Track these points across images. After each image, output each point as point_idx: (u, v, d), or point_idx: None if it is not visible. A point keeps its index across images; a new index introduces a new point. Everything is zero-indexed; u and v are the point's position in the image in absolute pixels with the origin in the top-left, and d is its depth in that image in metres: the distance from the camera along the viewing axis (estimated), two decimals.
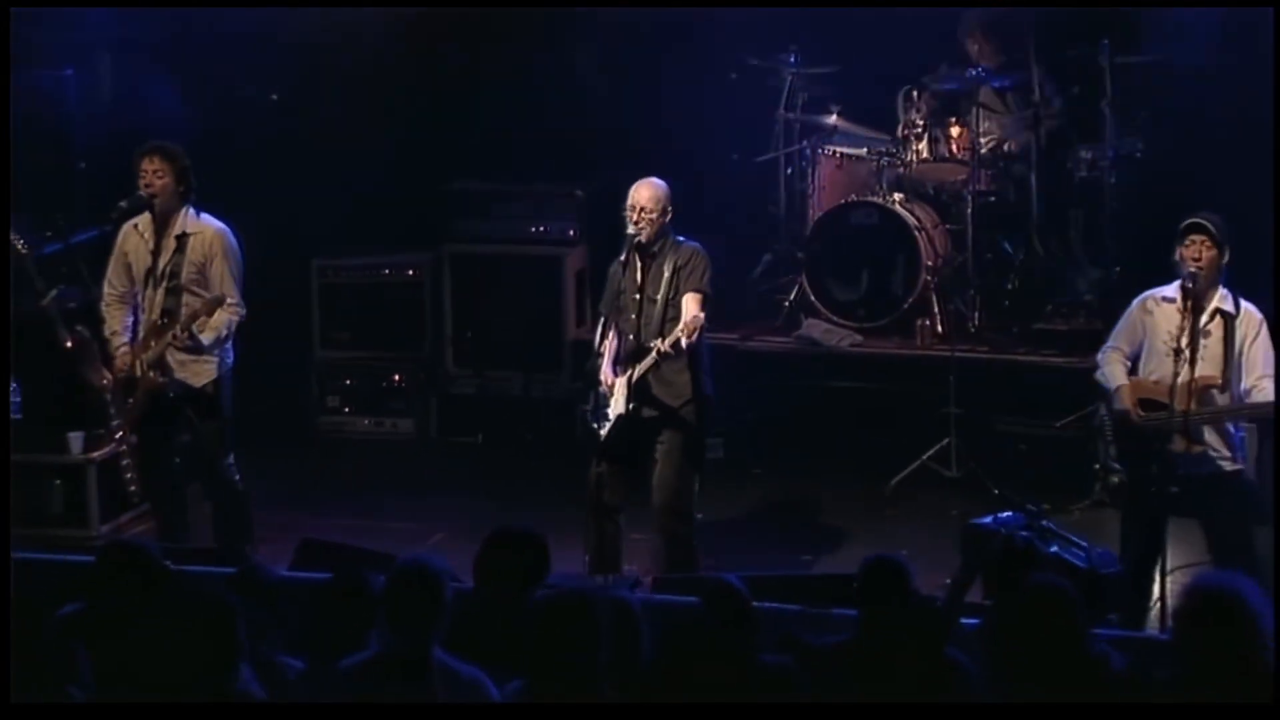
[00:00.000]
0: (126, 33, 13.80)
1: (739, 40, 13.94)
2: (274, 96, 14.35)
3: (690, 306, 10.60)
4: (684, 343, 10.45)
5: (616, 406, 10.72)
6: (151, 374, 11.03)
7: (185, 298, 10.97)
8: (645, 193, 10.72)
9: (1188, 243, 9.98)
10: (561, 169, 14.00)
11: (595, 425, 10.77)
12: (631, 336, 10.74)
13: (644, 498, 10.90)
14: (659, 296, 10.68)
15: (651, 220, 10.66)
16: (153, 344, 11.01)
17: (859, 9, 13.79)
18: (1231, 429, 10.06)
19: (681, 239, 10.76)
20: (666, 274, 10.69)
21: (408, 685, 7.40)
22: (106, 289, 11.22)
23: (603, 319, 10.93)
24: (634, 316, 10.73)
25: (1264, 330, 9.97)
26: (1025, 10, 13.75)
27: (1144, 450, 10.11)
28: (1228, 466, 10.06)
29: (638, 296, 10.74)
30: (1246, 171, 12.17)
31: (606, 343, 10.89)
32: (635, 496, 10.95)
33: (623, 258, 10.76)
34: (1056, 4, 13.59)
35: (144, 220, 11.06)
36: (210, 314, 10.86)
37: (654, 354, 10.57)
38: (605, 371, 10.85)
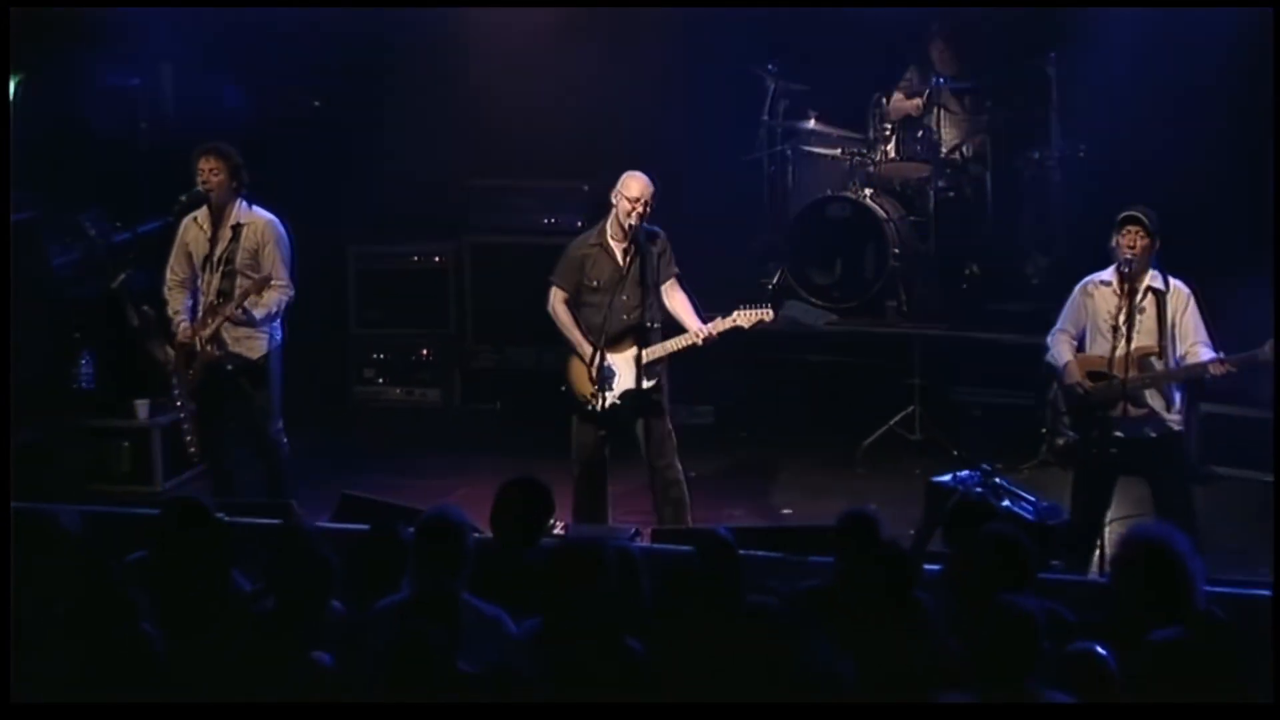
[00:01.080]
0: (186, 47, 13.78)
1: (728, 52, 13.87)
2: (316, 103, 14.35)
3: (676, 295, 10.65)
4: (714, 336, 10.63)
5: (625, 381, 10.69)
6: (209, 348, 11.06)
7: (239, 280, 11.01)
8: (642, 186, 10.67)
9: (1124, 232, 10.05)
10: (569, 168, 13.97)
11: (601, 393, 10.74)
12: (626, 317, 10.71)
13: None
14: (649, 281, 10.68)
15: (646, 210, 10.64)
16: (210, 322, 11.04)
17: (835, 22, 13.79)
18: (1173, 393, 10.07)
19: (652, 227, 10.76)
20: (648, 259, 10.67)
21: (436, 623, 7.39)
22: (169, 275, 11.24)
23: (560, 292, 10.91)
24: (624, 299, 10.69)
25: (1192, 303, 10.06)
26: (982, 23, 13.70)
27: (1093, 417, 10.12)
28: (1173, 428, 10.08)
29: (628, 280, 10.70)
30: (1176, 168, 12.15)
31: (568, 315, 10.89)
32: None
33: (604, 242, 10.72)
34: (1010, 4, 13.49)
35: (202, 213, 11.10)
36: (259, 293, 10.92)
37: (697, 339, 10.63)
38: (584, 345, 10.82)
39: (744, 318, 10.66)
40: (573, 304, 10.87)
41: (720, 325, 10.65)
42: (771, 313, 10.81)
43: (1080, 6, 13.31)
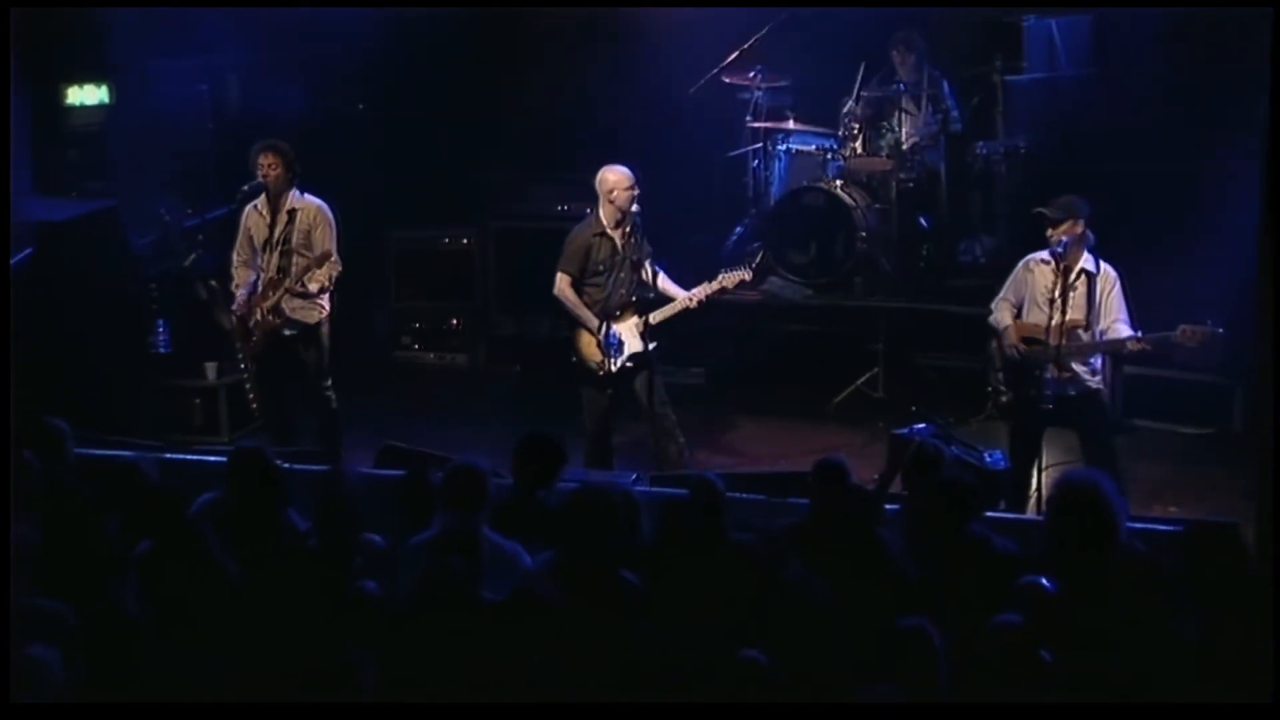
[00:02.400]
0: (248, 58, 13.77)
1: (717, 61, 13.84)
2: (360, 106, 14.31)
3: (657, 271, 10.67)
4: (704, 299, 10.70)
5: (633, 345, 10.73)
6: (270, 317, 11.11)
7: (295, 258, 11.06)
8: (615, 174, 10.79)
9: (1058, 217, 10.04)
10: (579, 161, 13.92)
11: (611, 357, 10.77)
12: (624, 291, 10.75)
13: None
14: (640, 260, 10.71)
15: (628, 197, 10.68)
16: (270, 294, 11.09)
17: (810, 35, 13.78)
18: (1095, 359, 10.08)
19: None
20: (636, 241, 10.71)
21: (462, 556, 7.39)
22: (235, 256, 11.32)
23: (569, 281, 10.90)
24: (621, 275, 10.75)
25: (1118, 285, 10.03)
26: (936, 35, 13.68)
27: (1026, 376, 10.15)
28: (1091, 386, 10.08)
29: (624, 259, 10.74)
30: (1105, 161, 12.12)
31: (573, 296, 10.91)
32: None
33: (600, 229, 10.74)
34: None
35: (261, 201, 11.15)
36: (320, 267, 10.96)
37: (690, 302, 10.69)
38: (590, 318, 10.83)
39: (728, 279, 10.72)
40: (576, 286, 10.87)
41: (707, 289, 10.71)
42: (751, 272, 10.87)
43: (1034, 6, 13.20)
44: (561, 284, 10.92)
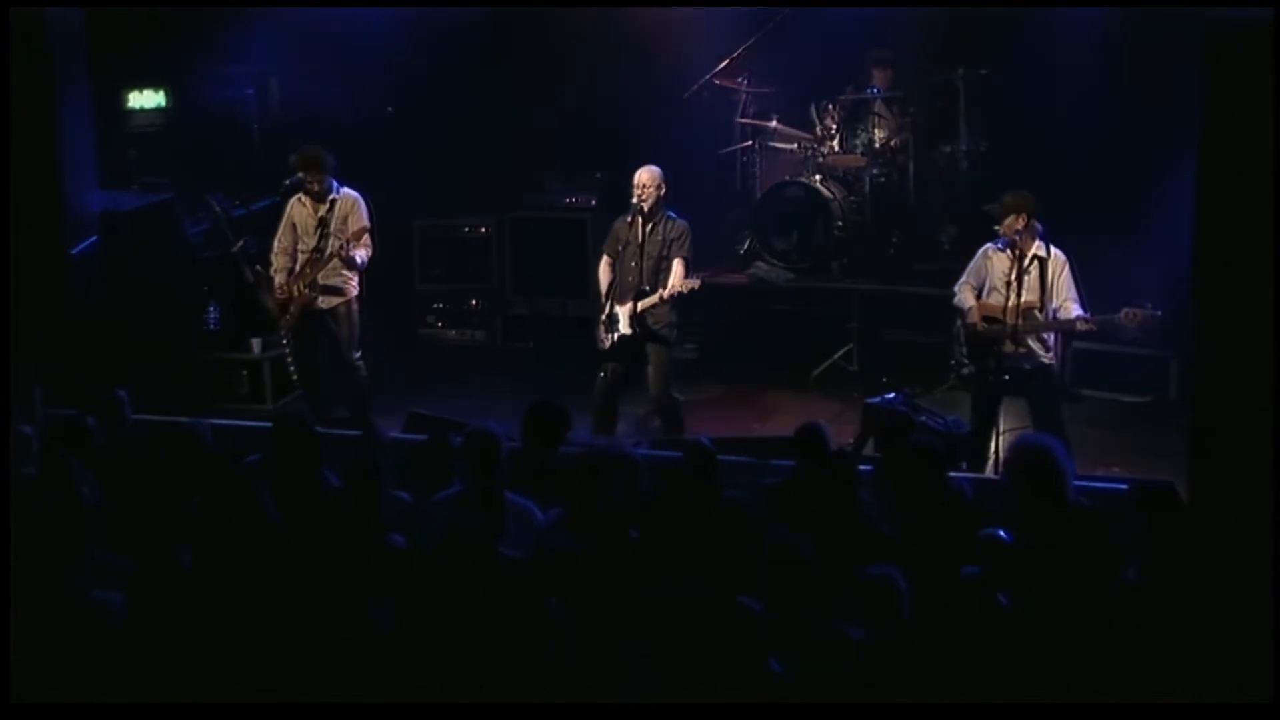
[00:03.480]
0: (289, 65, 13.75)
1: (710, 67, 13.84)
2: (389, 109, 14.29)
3: (678, 269, 10.61)
4: (674, 294, 10.53)
5: (623, 328, 10.73)
6: (308, 292, 11.12)
7: (332, 240, 11.07)
8: (645, 175, 10.72)
9: (1014, 209, 10.05)
10: (587, 158, 13.94)
11: (608, 334, 10.77)
12: (631, 279, 10.72)
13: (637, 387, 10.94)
14: (655, 254, 10.69)
15: (650, 194, 10.65)
16: (309, 271, 11.12)
17: (792, 45, 13.77)
18: (1047, 336, 10.08)
19: (674, 214, 10.75)
20: (660, 238, 10.70)
21: (480, 511, 7.40)
22: (276, 243, 11.36)
23: (605, 258, 10.94)
24: (633, 264, 10.71)
25: (1067, 269, 10.04)
26: (906, 46, 13.65)
27: (986, 351, 10.15)
28: (1044, 360, 10.09)
29: (639, 251, 10.72)
30: (1057, 160, 12.12)
31: (607, 275, 10.89)
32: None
33: (629, 220, 10.74)
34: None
35: (306, 196, 11.19)
36: (359, 240, 11.00)
37: (657, 298, 10.59)
38: (601, 299, 10.88)
39: (681, 285, 10.57)
40: (613, 266, 10.90)
41: (672, 290, 10.61)
42: (700, 282, 10.72)
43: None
44: (600, 263, 11.04)
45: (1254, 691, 5.84)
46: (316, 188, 11.05)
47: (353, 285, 11.20)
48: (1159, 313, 9.78)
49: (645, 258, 10.71)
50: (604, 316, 10.79)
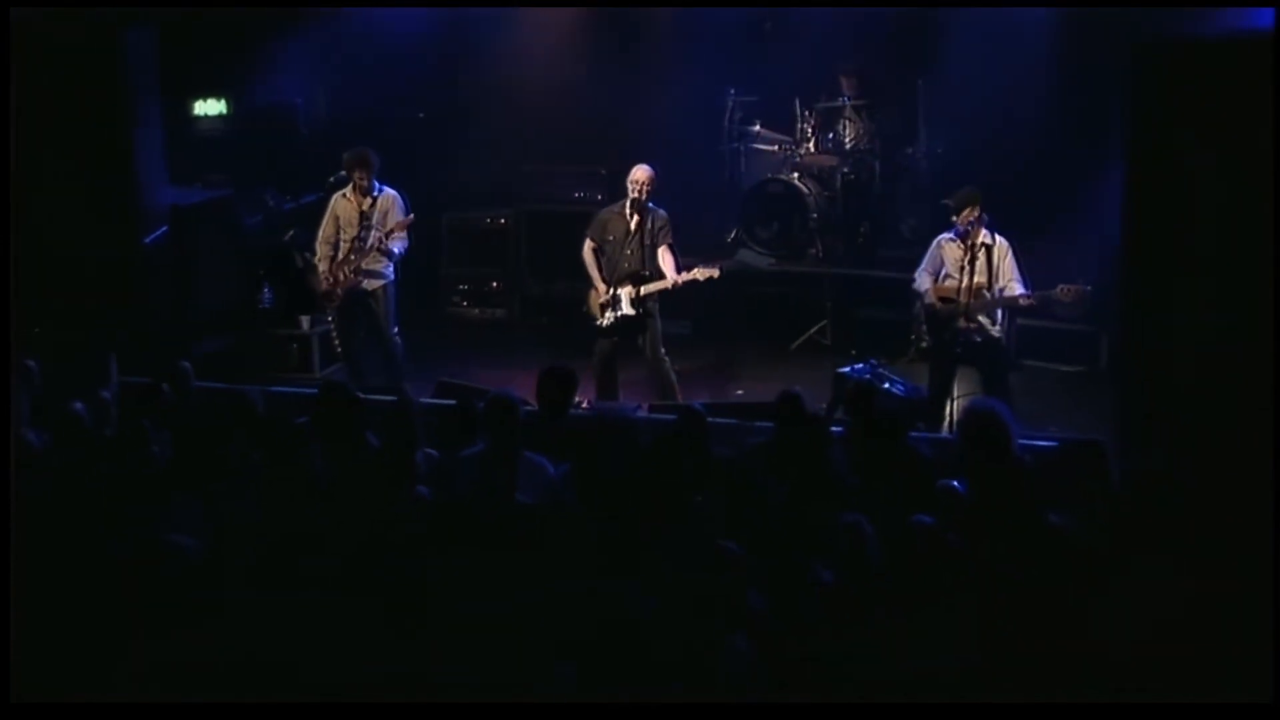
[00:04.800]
0: (335, 75, 13.74)
1: (702, 77, 13.83)
2: (420, 115, 14.26)
3: (668, 256, 10.59)
4: (691, 280, 10.54)
5: (625, 309, 10.72)
6: (352, 276, 11.10)
7: (373, 232, 11.03)
8: (642, 173, 10.71)
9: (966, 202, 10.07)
10: (592, 157, 13.92)
11: (609, 312, 10.77)
12: (629, 264, 10.72)
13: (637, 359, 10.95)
14: (647, 242, 10.66)
15: (645, 189, 10.65)
16: (352, 259, 11.08)
17: (774, 58, 13.75)
18: (995, 313, 10.10)
19: (652, 205, 10.74)
20: (649, 227, 10.67)
21: (500, 466, 7.41)
22: (320, 233, 11.33)
23: (589, 243, 10.90)
24: (629, 252, 10.71)
25: (1010, 253, 10.08)
26: (872, 57, 13.61)
27: (942, 327, 10.17)
28: (993, 334, 10.12)
29: (635, 239, 10.71)
30: (1003, 160, 12.11)
31: (593, 260, 10.87)
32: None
33: (623, 211, 10.73)
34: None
35: (349, 190, 11.17)
36: (401, 230, 11.02)
37: (670, 283, 10.59)
38: (599, 281, 10.81)
39: (700, 273, 10.59)
40: (598, 251, 10.84)
41: (685, 277, 10.59)
42: (718, 271, 10.73)
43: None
44: (585, 247, 10.95)
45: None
46: (365, 183, 11.04)
47: (390, 270, 11.20)
48: (1089, 287, 9.89)
49: (642, 245, 10.71)
50: (605, 298, 10.77)
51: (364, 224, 11.08)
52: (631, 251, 10.72)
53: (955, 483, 7.00)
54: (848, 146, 13.62)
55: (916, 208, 13.63)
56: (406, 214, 11.10)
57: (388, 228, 11.01)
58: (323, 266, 11.23)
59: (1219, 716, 5.33)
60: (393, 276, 11.22)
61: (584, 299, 11.01)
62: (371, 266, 11.15)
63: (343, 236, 11.16)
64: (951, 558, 6.41)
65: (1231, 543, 6.27)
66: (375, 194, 11.08)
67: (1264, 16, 9.14)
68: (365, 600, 6.13)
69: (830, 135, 13.64)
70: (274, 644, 5.92)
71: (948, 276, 10.18)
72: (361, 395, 8.31)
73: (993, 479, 6.91)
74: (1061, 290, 9.88)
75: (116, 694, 5.70)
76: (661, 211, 10.76)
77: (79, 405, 8.16)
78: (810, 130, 13.61)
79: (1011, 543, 6.53)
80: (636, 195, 10.66)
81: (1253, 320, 7.29)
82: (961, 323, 10.06)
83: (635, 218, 10.70)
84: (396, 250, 11.06)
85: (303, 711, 5.61)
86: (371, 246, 11.00)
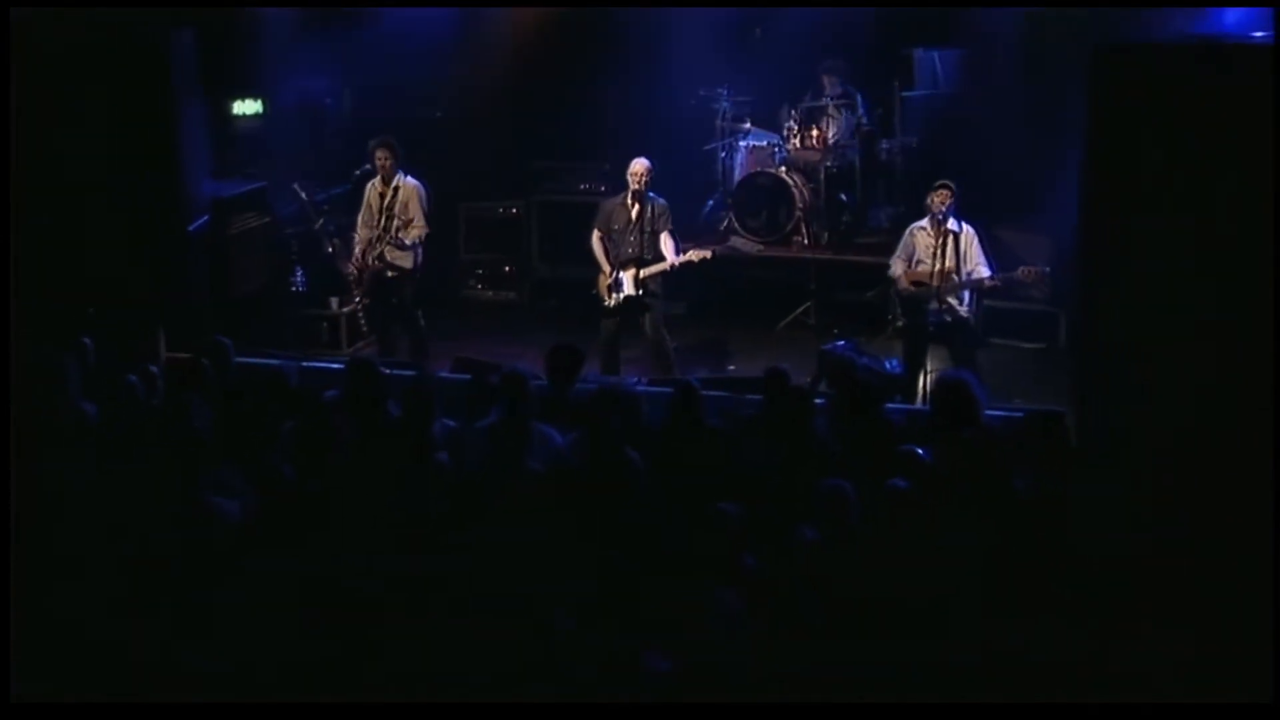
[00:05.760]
0: (360, 78, 13.70)
1: (698, 78, 13.79)
2: (438, 114, 14.21)
3: (668, 241, 10.57)
4: (687, 262, 10.53)
5: (628, 289, 10.71)
6: (377, 262, 11.08)
7: (395, 221, 11.01)
8: (640, 166, 10.69)
9: (937, 194, 10.10)
10: (598, 152, 13.88)
11: (614, 293, 10.76)
12: (632, 250, 10.69)
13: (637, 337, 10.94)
14: (649, 229, 10.64)
15: (644, 180, 10.64)
16: (377, 245, 11.06)
17: (763, 61, 13.71)
18: (964, 295, 10.10)
19: (652, 195, 10.72)
20: (649, 215, 10.65)
21: (512, 435, 7.42)
22: (360, 218, 11.27)
23: (597, 233, 10.87)
24: (632, 239, 10.69)
25: (976, 240, 10.09)
26: (851, 60, 13.57)
27: (915, 308, 10.17)
28: (962, 314, 10.12)
29: (636, 227, 10.70)
30: (972, 154, 12.07)
31: (600, 247, 10.85)
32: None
33: (625, 201, 10.70)
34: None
35: (377, 180, 11.12)
36: (414, 227, 11.00)
37: (668, 265, 10.57)
38: (605, 266, 10.80)
39: (695, 254, 10.61)
40: (605, 240, 10.83)
41: (681, 259, 10.58)
42: (711, 253, 10.76)
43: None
44: (593, 238, 10.91)
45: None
46: (387, 166, 11.00)
47: (413, 256, 11.17)
48: (1048, 270, 9.97)
49: (642, 232, 10.69)
50: (610, 281, 10.76)
51: (386, 212, 11.07)
52: (634, 238, 10.70)
53: (919, 449, 7.00)
54: (830, 142, 13.58)
55: (893, 198, 13.61)
56: (428, 203, 11.07)
57: (408, 217, 10.99)
58: (357, 250, 11.25)
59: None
60: (416, 261, 11.20)
61: (588, 282, 11.02)
62: (395, 253, 11.13)
63: (372, 224, 11.17)
64: (922, 515, 6.43)
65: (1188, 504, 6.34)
66: (397, 182, 11.06)
67: (1219, 20, 9.18)
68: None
69: (814, 132, 13.61)
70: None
71: (919, 262, 10.17)
72: (385, 370, 8.33)
73: (962, 445, 6.93)
74: (1023, 272, 9.96)
75: (150, 654, 5.67)
76: (661, 200, 10.75)
77: (133, 377, 8.18)
78: (796, 127, 13.58)
79: (978, 501, 6.56)
80: (637, 186, 10.64)
81: (1198, 300, 7.34)
82: (934, 304, 10.05)
83: (636, 207, 10.68)
84: (408, 242, 11.02)
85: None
86: (389, 237, 10.99)
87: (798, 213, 13.34)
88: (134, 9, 10.16)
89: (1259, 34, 8.02)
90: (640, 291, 10.70)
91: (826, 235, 13.46)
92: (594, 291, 10.91)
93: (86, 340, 8.93)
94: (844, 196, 13.69)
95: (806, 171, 13.58)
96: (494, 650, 5.54)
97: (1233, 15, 9.14)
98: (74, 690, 5.55)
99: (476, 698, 5.30)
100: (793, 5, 13.49)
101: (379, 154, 11.01)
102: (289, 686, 5.45)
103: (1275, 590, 5.63)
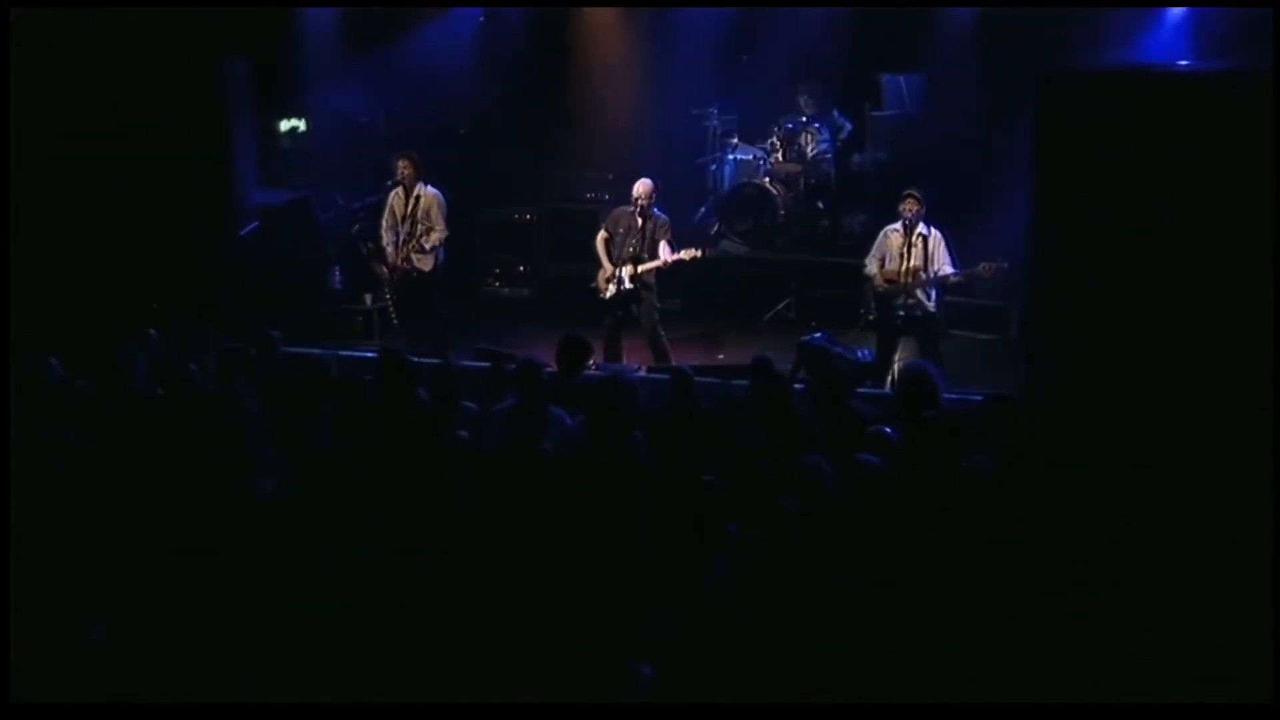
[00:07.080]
0: (392, 98, 13.64)
1: (691, 97, 13.75)
2: (461, 130, 14.16)
3: (665, 248, 10.56)
4: (678, 260, 10.49)
5: (625, 283, 10.69)
6: (403, 264, 11.02)
7: (417, 227, 10.93)
8: (643, 188, 10.64)
9: (905, 202, 10.04)
10: (602, 164, 13.82)
11: (611, 285, 10.74)
12: (631, 251, 10.66)
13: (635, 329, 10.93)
14: (649, 236, 10.62)
15: (648, 200, 10.60)
16: (403, 249, 10.99)
17: (750, 81, 13.66)
18: (930, 291, 10.08)
19: (656, 211, 10.69)
20: (651, 227, 10.62)
21: (527, 418, 7.40)
22: (383, 222, 11.18)
23: (603, 232, 10.83)
24: (632, 240, 10.66)
25: (942, 242, 10.04)
26: (824, 81, 13.51)
27: (887, 303, 10.14)
28: (929, 309, 10.10)
29: (638, 236, 10.66)
30: (936, 168, 12.03)
31: (604, 246, 10.80)
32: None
33: (632, 213, 10.67)
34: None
35: (400, 189, 11.02)
36: (434, 233, 10.90)
37: (661, 262, 10.55)
38: (606, 263, 10.76)
39: (685, 254, 10.56)
40: (609, 241, 10.80)
41: (674, 257, 10.54)
42: (702, 251, 10.72)
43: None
44: (598, 237, 10.88)
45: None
46: (408, 174, 10.90)
47: (434, 259, 11.11)
48: (1006, 264, 9.90)
49: (643, 238, 10.68)
50: (609, 276, 10.74)
51: (409, 218, 11.04)
52: (635, 241, 10.68)
53: (887, 428, 6.99)
54: (809, 156, 13.54)
55: (865, 206, 13.56)
56: (446, 210, 11.01)
57: (429, 223, 10.94)
58: (387, 254, 11.19)
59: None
60: (440, 262, 11.15)
61: (593, 280, 10.99)
62: (421, 256, 11.09)
63: (398, 228, 11.13)
64: (890, 489, 6.42)
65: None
66: (418, 191, 11.00)
67: (1149, 48, 9.18)
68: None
69: (795, 147, 13.57)
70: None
71: (890, 259, 10.15)
72: (413, 359, 8.32)
73: (924, 425, 6.92)
74: (984, 267, 9.96)
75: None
76: (663, 216, 10.73)
77: (193, 365, 8.18)
78: (779, 143, 13.54)
79: (936, 476, 6.54)
80: (645, 203, 10.62)
81: (1132, 297, 7.36)
82: (903, 299, 10.03)
83: (640, 220, 10.68)
84: (427, 246, 10.96)
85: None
86: (412, 241, 10.96)
87: (780, 219, 13.30)
88: (192, 32, 10.14)
89: (1183, 63, 8.06)
90: (635, 285, 10.69)
91: (805, 239, 13.42)
92: (592, 285, 10.87)
93: (152, 331, 8.93)
94: (821, 204, 13.66)
95: (788, 182, 13.54)
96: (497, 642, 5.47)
97: (1158, 45, 9.17)
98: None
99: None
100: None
101: (400, 164, 10.95)
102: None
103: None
